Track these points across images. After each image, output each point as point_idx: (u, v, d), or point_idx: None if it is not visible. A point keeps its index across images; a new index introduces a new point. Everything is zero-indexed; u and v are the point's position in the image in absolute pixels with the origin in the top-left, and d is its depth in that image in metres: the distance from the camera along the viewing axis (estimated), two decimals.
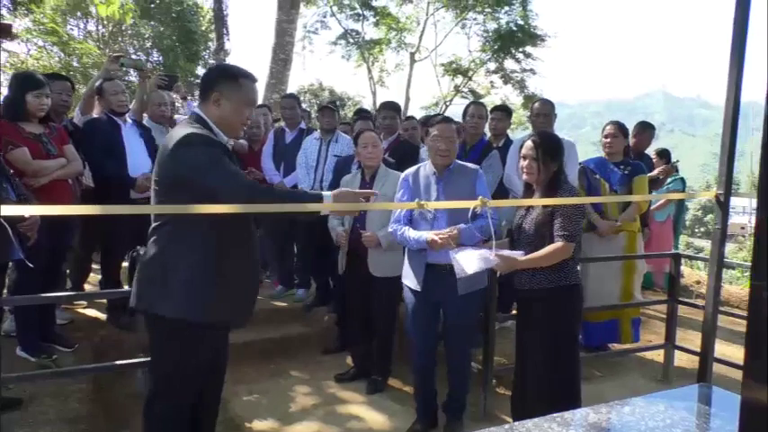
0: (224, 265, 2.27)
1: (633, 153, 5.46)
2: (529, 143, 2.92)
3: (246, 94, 2.34)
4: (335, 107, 5.13)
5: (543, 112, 4.46)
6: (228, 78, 2.31)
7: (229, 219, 2.22)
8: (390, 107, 4.95)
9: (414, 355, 3.38)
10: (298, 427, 3.43)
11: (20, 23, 15.59)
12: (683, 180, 6.66)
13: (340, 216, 3.92)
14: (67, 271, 4.61)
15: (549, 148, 2.89)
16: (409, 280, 3.28)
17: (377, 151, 3.81)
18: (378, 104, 20.35)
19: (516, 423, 2.15)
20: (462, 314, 3.22)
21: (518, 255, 2.80)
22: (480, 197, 2.41)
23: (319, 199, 2.27)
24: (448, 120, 3.31)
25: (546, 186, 2.90)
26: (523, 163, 2.93)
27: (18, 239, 2.95)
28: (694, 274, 7.40)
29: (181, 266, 2.24)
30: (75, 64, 16.55)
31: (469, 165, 3.33)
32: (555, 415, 2.20)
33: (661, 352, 4.41)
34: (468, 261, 2.68)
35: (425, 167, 3.29)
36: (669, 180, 6.33)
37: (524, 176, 2.97)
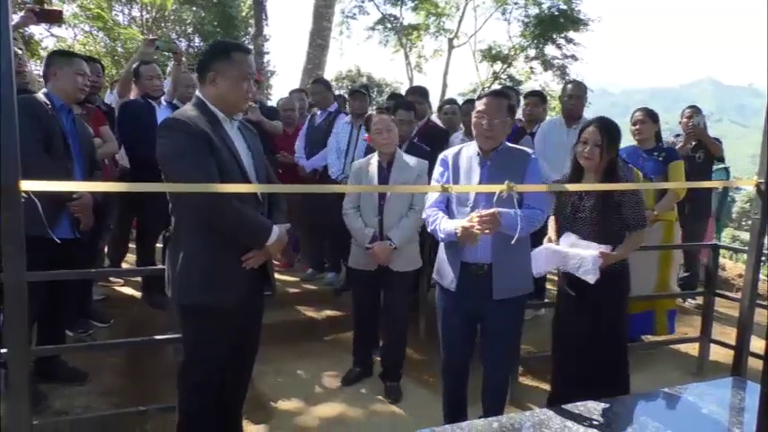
0: (213, 245, 2.28)
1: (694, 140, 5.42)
2: (593, 129, 2.88)
3: (240, 67, 2.30)
4: (366, 91, 5.12)
5: (576, 94, 4.44)
6: (220, 55, 2.29)
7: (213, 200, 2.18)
8: (417, 92, 4.90)
9: (444, 362, 3.02)
10: (323, 408, 3.47)
11: (67, 9, 15.98)
12: (727, 170, 6.40)
13: (354, 204, 3.59)
14: (105, 250, 4.75)
15: (613, 134, 2.88)
16: (441, 277, 2.88)
17: (392, 136, 3.48)
18: None
19: (538, 410, 2.13)
20: (502, 323, 2.81)
21: (608, 249, 2.82)
22: (507, 182, 2.29)
23: (267, 234, 2.32)
24: (497, 93, 2.81)
25: (604, 173, 2.88)
26: (584, 148, 2.87)
27: (70, 221, 3.08)
28: (737, 268, 7.16)
29: (179, 249, 2.30)
30: (119, 49, 16.94)
31: (521, 147, 2.89)
32: (578, 404, 2.17)
33: (696, 345, 4.29)
34: (584, 264, 2.75)
35: (469, 148, 2.87)
36: (712, 170, 6.10)
37: (582, 161, 2.91)
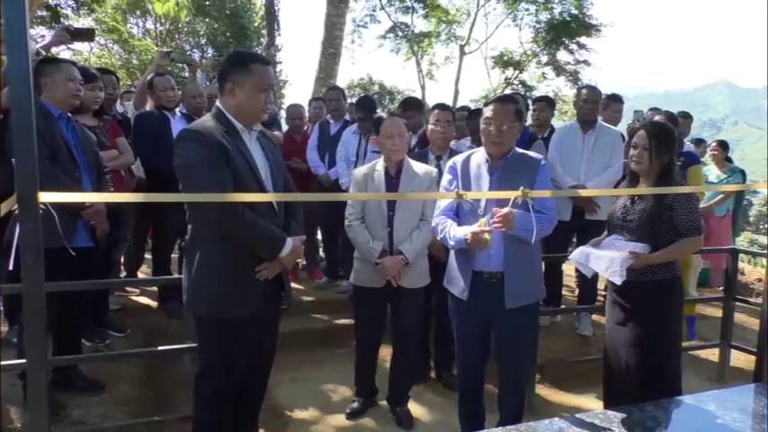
0: (227, 256, 2.29)
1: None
2: (642, 132, 2.81)
3: (259, 79, 2.30)
4: (372, 106, 5.10)
5: (591, 99, 4.41)
6: (239, 66, 2.29)
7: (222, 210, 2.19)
8: (409, 105, 4.86)
9: (459, 371, 3.03)
10: (339, 417, 3.46)
11: (83, 23, 16.25)
12: (743, 173, 6.36)
13: (359, 215, 3.29)
14: (122, 259, 4.79)
15: (663, 138, 2.79)
16: (453, 287, 2.85)
17: (402, 142, 3.25)
18: (426, 98, 20.32)
19: (556, 418, 2.11)
20: (516, 330, 2.77)
21: (646, 249, 2.73)
22: (521, 188, 2.25)
23: (281, 246, 2.32)
24: (504, 98, 2.79)
25: (656, 178, 2.80)
26: (633, 152, 2.82)
27: (87, 229, 3.08)
28: (756, 272, 7.06)
29: (194, 259, 2.31)
30: (134, 61, 17.18)
31: (531, 153, 2.85)
32: (597, 411, 2.15)
33: (716, 351, 4.23)
34: (612, 266, 2.68)
35: (477, 155, 2.83)
36: (727, 173, 6.07)
37: (633, 165, 2.86)
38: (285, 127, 6.00)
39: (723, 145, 6.31)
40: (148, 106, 4.68)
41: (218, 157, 2.19)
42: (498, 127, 2.66)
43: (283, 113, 6.71)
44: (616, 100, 4.93)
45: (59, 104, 3.05)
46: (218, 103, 2.37)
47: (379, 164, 3.33)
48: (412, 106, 4.80)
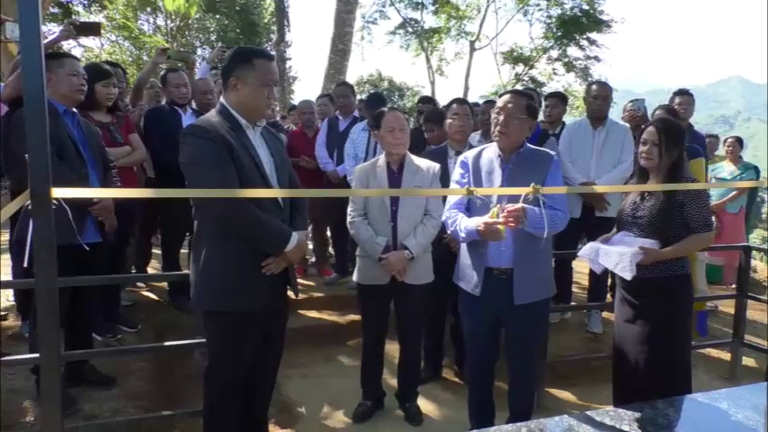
0: (233, 251, 2.29)
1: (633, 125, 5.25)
2: (652, 129, 2.81)
3: (262, 74, 2.29)
4: (381, 99, 5.11)
5: (602, 95, 4.37)
6: (242, 61, 2.28)
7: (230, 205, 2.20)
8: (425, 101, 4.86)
9: (469, 366, 3.03)
10: (349, 413, 3.46)
11: (94, 19, 16.37)
12: (756, 169, 6.31)
13: (361, 212, 3.24)
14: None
15: (673, 134, 2.78)
16: (465, 283, 2.86)
17: (404, 136, 3.19)
18: (436, 94, 20.27)
19: (567, 416, 2.10)
20: (525, 327, 2.77)
21: (656, 245, 2.72)
22: (533, 184, 2.24)
23: (286, 241, 2.32)
24: (516, 91, 2.83)
25: (666, 174, 2.79)
26: (643, 148, 2.82)
27: (95, 225, 3.09)
28: None
29: (200, 255, 2.32)
30: (144, 57, 17.26)
31: (543, 149, 2.85)
32: (608, 409, 2.13)
33: (728, 349, 4.20)
34: (621, 261, 2.67)
35: (489, 150, 2.83)
36: (741, 169, 6.03)
37: (642, 162, 2.85)
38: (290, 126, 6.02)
39: (740, 141, 6.28)
40: (144, 101, 4.69)
41: (222, 152, 2.19)
42: (507, 118, 2.67)
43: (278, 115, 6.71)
44: (684, 93, 4.80)
45: (64, 100, 3.02)
46: (222, 99, 2.37)
47: (381, 159, 3.29)
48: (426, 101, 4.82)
